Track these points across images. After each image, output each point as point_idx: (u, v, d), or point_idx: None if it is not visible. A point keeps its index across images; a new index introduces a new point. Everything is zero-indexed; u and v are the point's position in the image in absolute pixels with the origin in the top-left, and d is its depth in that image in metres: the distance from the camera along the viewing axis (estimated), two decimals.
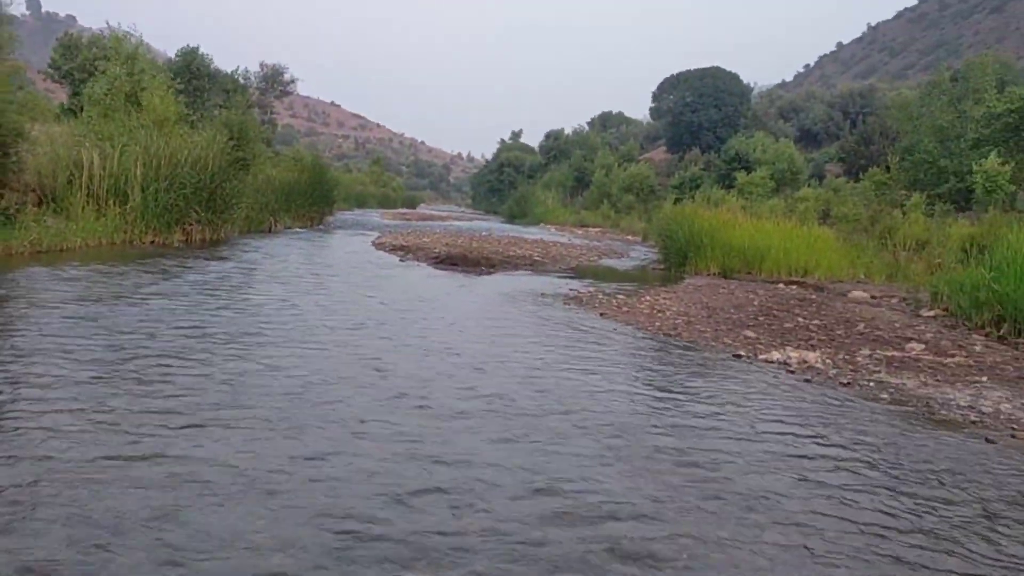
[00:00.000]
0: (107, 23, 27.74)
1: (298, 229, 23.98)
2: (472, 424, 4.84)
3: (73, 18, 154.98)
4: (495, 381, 5.96)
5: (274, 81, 42.04)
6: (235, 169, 19.35)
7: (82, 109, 19.10)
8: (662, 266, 18.01)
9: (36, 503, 3.33)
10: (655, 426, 5.11)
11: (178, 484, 3.61)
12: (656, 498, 3.88)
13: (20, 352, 5.81)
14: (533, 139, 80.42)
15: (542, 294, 11.64)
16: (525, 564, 3.12)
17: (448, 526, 3.39)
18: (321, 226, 26.88)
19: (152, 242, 15.34)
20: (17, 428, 4.19)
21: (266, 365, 5.93)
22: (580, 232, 35.27)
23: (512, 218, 52.16)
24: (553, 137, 71.98)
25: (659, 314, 10.19)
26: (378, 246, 19.31)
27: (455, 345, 7.28)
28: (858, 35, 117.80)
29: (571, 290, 12.29)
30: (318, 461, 4.04)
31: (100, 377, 5.27)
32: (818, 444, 4.98)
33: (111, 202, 15.05)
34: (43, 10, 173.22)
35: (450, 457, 4.22)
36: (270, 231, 21.74)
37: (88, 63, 25.16)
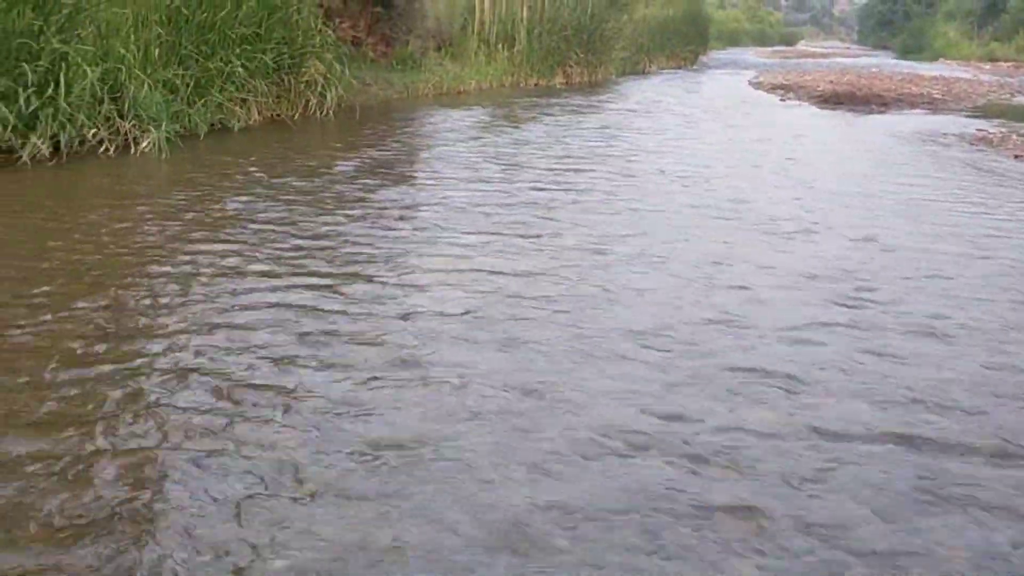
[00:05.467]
0: None
1: (671, 70, 23.67)
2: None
3: None
4: (905, 225, 5.54)
5: None
6: (613, 10, 19.38)
7: None
8: None
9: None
10: None
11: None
12: None
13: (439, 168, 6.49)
14: None
15: (943, 134, 10.54)
16: None
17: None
18: (694, 66, 26.27)
19: (536, 84, 16.03)
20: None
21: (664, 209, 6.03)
22: (988, 67, 30.91)
23: (905, 53, 46.98)
24: None
25: None
26: (755, 85, 18.53)
27: (855, 187, 6.86)
28: None
29: (977, 130, 10.94)
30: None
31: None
32: None
33: (500, 46, 15.87)
34: None
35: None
36: (644, 73, 21.69)
37: None
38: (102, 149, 6.57)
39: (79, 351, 3.03)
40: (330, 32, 9.89)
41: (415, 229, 4.94)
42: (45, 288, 3.68)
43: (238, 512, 2.10)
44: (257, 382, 2.83)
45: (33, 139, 6.09)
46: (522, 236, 4.79)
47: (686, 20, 26.95)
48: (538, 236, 4.81)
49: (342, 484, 2.24)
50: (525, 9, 16.13)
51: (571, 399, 2.78)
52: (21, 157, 6.00)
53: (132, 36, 7.06)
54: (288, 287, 3.80)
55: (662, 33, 24.37)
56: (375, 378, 2.88)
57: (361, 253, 4.41)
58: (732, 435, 2.57)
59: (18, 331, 3.17)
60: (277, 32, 8.80)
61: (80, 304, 3.50)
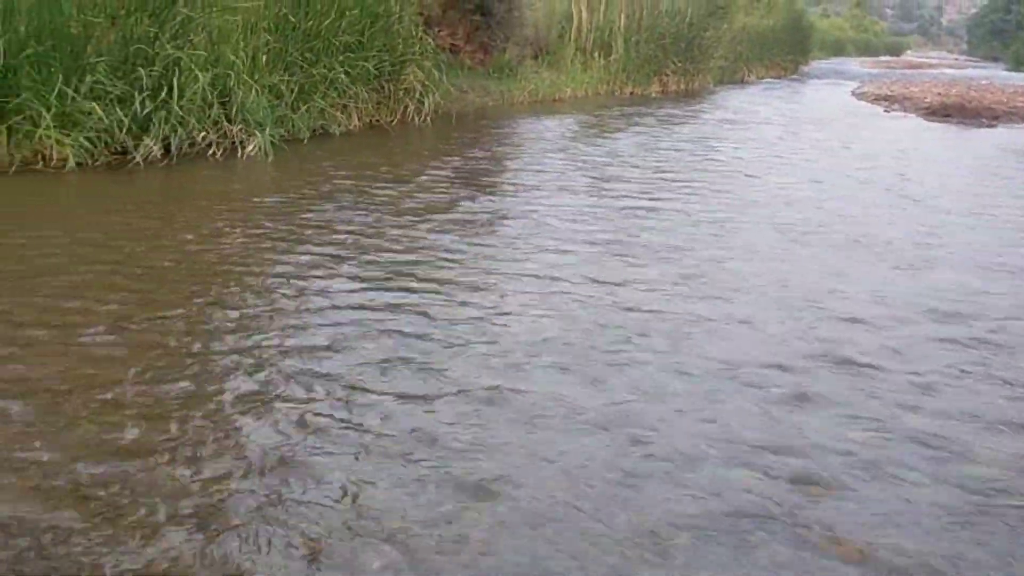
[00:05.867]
0: None
1: (771, 79, 23.18)
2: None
3: None
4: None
5: None
6: (713, 18, 19.07)
7: None
8: None
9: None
10: None
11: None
12: None
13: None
14: None
15: None
16: None
17: None
18: (795, 76, 25.69)
19: (631, 93, 15.90)
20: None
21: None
22: None
23: (1018, 65, 44.94)
24: None
25: None
26: (859, 96, 18.01)
27: (971, 206, 6.60)
28: None
29: None
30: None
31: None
32: None
33: (596, 54, 15.78)
34: None
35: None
36: (742, 82, 21.29)
37: None
38: (210, 152, 6.77)
39: (186, 347, 3.13)
40: (429, 40, 10.00)
41: (507, 240, 4.93)
42: (156, 286, 3.82)
43: (339, 510, 2.16)
44: (349, 383, 2.88)
45: (146, 141, 6.32)
46: (613, 254, 4.71)
47: (787, 29, 26.36)
48: (630, 254, 4.71)
49: (430, 501, 2.28)
50: (623, 17, 16.01)
51: (668, 431, 2.72)
52: (134, 158, 6.23)
53: (241, 43, 7.26)
54: (378, 291, 3.87)
55: (762, 42, 23.88)
56: (462, 392, 2.88)
57: (451, 261, 4.46)
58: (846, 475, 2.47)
59: (132, 327, 3.28)
60: (378, 40, 8.93)
61: (189, 302, 3.63)
